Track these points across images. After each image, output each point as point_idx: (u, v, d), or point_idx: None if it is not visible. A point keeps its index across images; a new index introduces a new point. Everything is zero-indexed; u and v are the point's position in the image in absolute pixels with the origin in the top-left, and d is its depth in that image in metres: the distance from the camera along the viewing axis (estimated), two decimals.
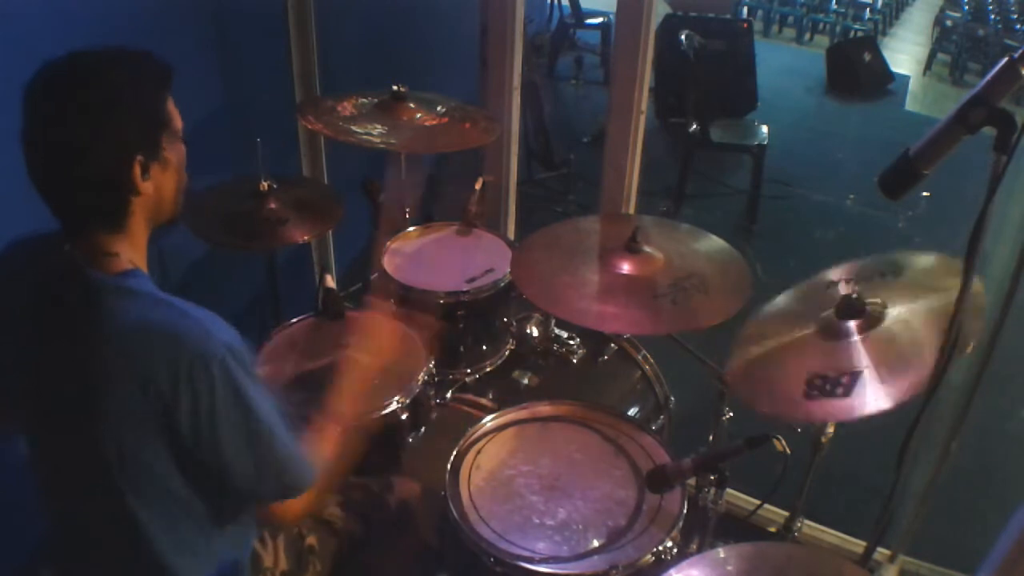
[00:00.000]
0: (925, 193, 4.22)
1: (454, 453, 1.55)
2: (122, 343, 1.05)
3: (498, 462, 1.56)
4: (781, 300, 1.68)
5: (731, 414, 1.87)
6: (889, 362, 1.38)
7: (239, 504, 1.24)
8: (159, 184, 1.13)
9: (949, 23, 8.28)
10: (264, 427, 1.11)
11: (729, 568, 1.19)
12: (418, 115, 2.21)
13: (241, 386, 1.07)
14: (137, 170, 1.09)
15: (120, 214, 1.11)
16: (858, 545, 2.14)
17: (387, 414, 1.72)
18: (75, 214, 1.10)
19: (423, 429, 1.84)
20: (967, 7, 8.55)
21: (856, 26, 8.49)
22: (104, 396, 1.06)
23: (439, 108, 2.25)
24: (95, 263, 1.09)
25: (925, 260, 1.59)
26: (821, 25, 8.76)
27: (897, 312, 1.46)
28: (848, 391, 1.35)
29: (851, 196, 4.65)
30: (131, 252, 1.13)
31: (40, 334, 1.10)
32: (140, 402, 1.04)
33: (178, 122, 1.16)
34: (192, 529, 1.18)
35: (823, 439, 1.69)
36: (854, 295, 1.47)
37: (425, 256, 2.19)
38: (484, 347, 2.12)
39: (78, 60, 1.08)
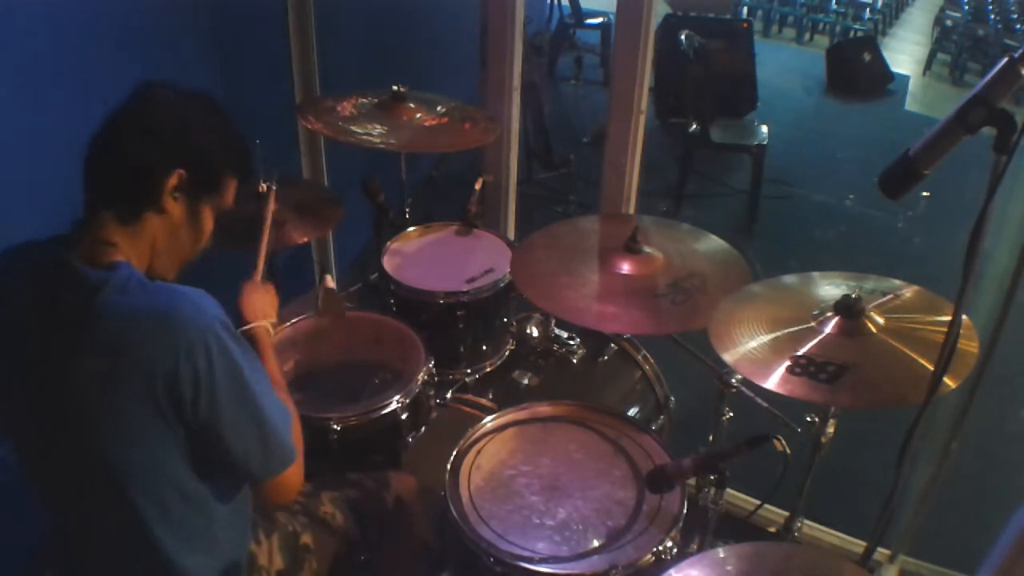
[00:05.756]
0: (925, 193, 4.23)
1: (454, 453, 1.55)
2: (120, 334, 1.05)
3: (498, 462, 1.56)
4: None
5: (731, 414, 1.87)
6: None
7: (237, 488, 1.25)
8: (181, 220, 1.18)
9: (949, 23, 8.27)
10: (256, 395, 1.13)
11: (729, 568, 1.19)
12: (418, 115, 2.21)
13: (234, 355, 1.10)
14: (174, 180, 1.14)
15: (142, 202, 1.14)
16: (858, 545, 2.14)
17: (387, 414, 1.72)
18: (103, 190, 1.14)
19: (423, 429, 1.84)
20: (967, 7, 8.53)
21: (856, 26, 8.48)
22: (106, 393, 1.06)
23: (439, 108, 2.25)
24: (88, 256, 1.10)
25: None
26: (821, 25, 8.75)
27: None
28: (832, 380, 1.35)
29: (851, 196, 4.65)
30: (130, 250, 1.14)
31: (37, 338, 1.10)
32: (146, 394, 1.05)
33: (227, 202, 1.26)
34: (196, 525, 1.18)
35: (823, 439, 1.69)
36: (854, 295, 1.47)
37: (425, 256, 2.19)
38: (484, 347, 2.12)
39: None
